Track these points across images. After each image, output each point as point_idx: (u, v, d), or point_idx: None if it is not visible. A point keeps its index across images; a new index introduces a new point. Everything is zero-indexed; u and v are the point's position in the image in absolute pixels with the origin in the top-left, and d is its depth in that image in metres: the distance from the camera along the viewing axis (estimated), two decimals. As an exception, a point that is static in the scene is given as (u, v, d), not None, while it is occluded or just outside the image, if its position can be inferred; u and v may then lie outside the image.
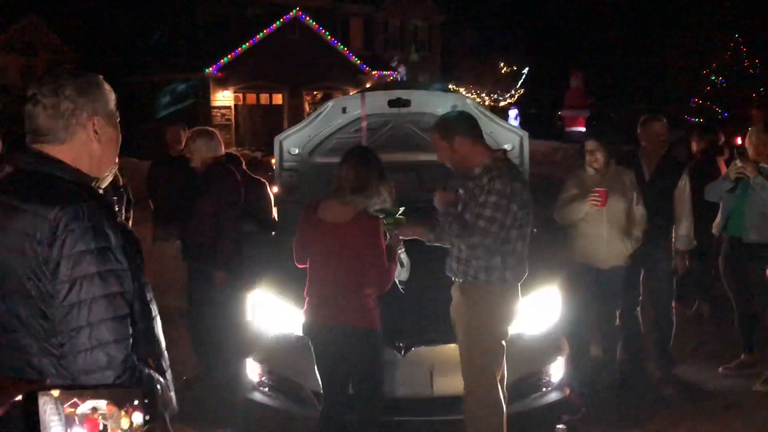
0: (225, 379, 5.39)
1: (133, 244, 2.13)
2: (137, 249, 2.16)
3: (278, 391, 4.74)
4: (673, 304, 5.82)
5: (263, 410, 4.82)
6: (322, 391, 4.19)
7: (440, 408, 4.37)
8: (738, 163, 5.34)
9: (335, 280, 4.01)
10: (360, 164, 3.99)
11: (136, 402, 1.28)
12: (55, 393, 1.26)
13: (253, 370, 4.82)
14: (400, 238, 4.21)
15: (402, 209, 4.10)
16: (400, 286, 4.29)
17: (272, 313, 4.82)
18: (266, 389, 4.77)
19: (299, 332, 4.63)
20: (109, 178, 2.31)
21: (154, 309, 2.25)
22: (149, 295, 2.22)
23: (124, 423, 1.27)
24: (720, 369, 5.79)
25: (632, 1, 30.71)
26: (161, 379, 2.18)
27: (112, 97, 2.20)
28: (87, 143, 2.12)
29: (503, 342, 4.00)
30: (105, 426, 1.26)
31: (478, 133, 3.99)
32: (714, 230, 5.75)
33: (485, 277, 3.89)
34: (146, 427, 1.27)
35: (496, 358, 3.96)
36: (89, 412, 1.26)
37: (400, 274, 4.31)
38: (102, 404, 1.27)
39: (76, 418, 1.25)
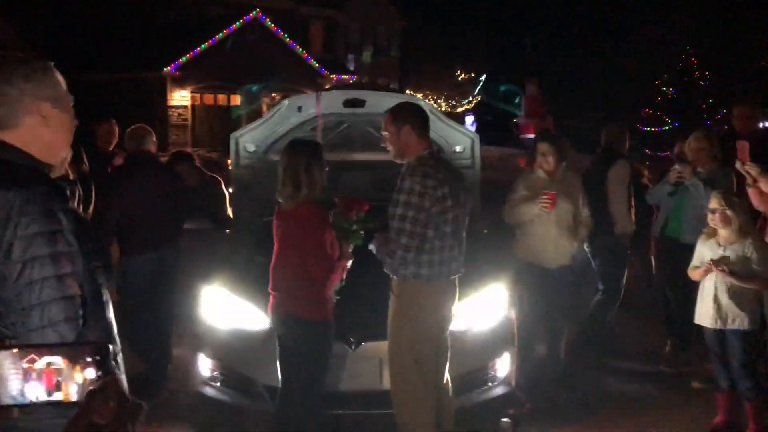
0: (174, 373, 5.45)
1: (85, 229, 2.18)
2: (89, 234, 2.21)
3: (230, 385, 4.79)
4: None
5: (214, 405, 4.88)
6: (280, 385, 4.24)
7: (389, 401, 4.46)
8: (677, 167, 5.57)
9: (285, 271, 4.10)
10: (282, 160, 4.13)
11: (89, 359, 1.37)
12: (14, 350, 1.34)
13: (204, 364, 4.86)
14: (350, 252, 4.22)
15: (362, 233, 4.14)
16: (333, 297, 4.35)
17: (225, 308, 4.87)
18: (218, 384, 4.82)
19: (252, 327, 4.71)
20: (60, 170, 2.35)
21: (106, 294, 2.30)
22: (101, 280, 2.27)
23: (78, 377, 1.35)
24: (660, 367, 6.00)
25: (588, 12, 31.35)
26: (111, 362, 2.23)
27: (61, 83, 2.24)
28: (36, 129, 2.16)
29: (434, 338, 4.01)
30: (59, 380, 1.34)
31: (425, 130, 4.08)
32: (654, 232, 6.00)
33: (402, 273, 3.95)
34: (98, 381, 1.36)
35: (419, 355, 3.96)
36: (45, 367, 1.34)
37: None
38: (57, 360, 1.35)
39: (34, 373, 1.34)
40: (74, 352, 1.38)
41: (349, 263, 4.21)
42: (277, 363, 4.22)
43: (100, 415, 1.33)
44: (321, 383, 4.17)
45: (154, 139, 5.70)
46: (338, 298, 4.26)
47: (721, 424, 4.88)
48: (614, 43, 26.49)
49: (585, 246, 6.20)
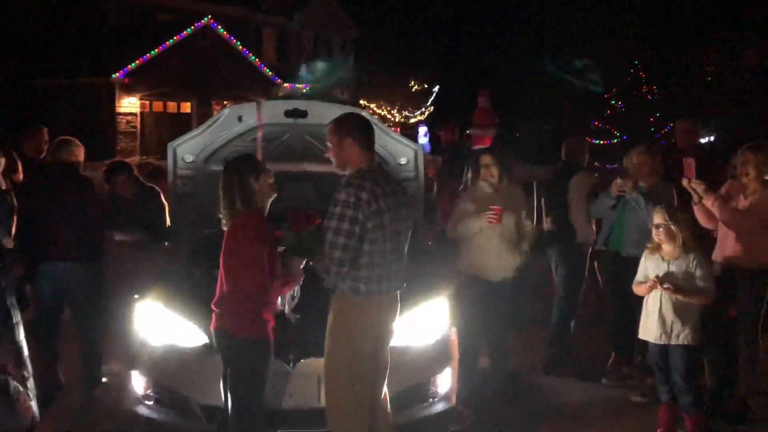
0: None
1: None
2: None
3: (164, 404, 4.63)
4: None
5: (148, 424, 4.71)
6: (220, 404, 4.11)
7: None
8: (619, 181, 5.59)
9: (222, 287, 3.98)
10: (221, 178, 4.05)
11: None
12: None
13: (138, 382, 4.70)
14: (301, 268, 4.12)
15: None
16: (292, 317, 4.24)
17: (160, 324, 4.71)
18: (151, 402, 4.66)
19: (187, 344, 4.58)
20: None
21: (16, 315, 2.17)
22: (9, 301, 2.14)
23: None
24: (603, 380, 6.00)
25: (537, 26, 31.77)
26: (19, 387, 2.10)
27: None
28: None
29: (371, 355, 3.90)
30: None
31: (368, 143, 3.98)
32: (598, 245, 6.02)
33: (340, 287, 3.86)
34: None
35: (355, 373, 3.85)
36: None
37: (285, 304, 4.26)
38: None
39: None
40: None
41: (301, 279, 4.09)
42: (220, 382, 4.10)
43: None
44: (259, 403, 4.04)
45: (74, 149, 5.59)
46: (298, 316, 4.15)
47: (662, 438, 4.89)
48: (565, 56, 26.84)
49: (552, 256, 6.30)
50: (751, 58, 22.10)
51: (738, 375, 5.33)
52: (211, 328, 4.09)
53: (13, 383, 2.05)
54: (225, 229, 4.02)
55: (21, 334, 2.15)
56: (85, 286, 5.42)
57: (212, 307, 4.04)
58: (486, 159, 5.52)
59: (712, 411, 5.12)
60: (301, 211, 4.05)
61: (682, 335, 4.73)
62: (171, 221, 5.98)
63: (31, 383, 2.17)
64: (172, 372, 4.60)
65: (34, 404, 2.18)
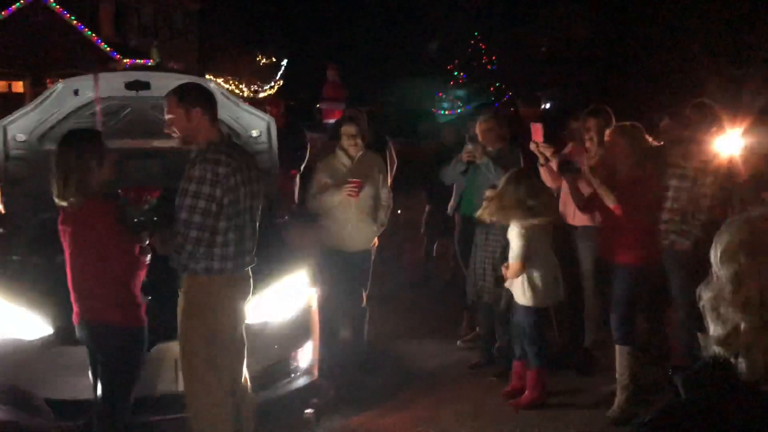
0: None
1: None
2: None
3: (4, 401, 4.33)
4: None
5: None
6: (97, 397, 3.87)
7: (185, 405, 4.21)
8: (469, 146, 5.73)
9: (85, 278, 3.76)
10: (57, 155, 3.76)
11: None
12: None
13: (-26, 379, 4.35)
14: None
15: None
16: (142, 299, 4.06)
17: (-3, 316, 4.38)
18: (-9, 400, 4.34)
19: (28, 336, 4.29)
20: None
21: None
22: None
23: None
24: (458, 342, 6.17)
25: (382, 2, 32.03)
26: None
27: None
28: None
29: (228, 334, 3.76)
30: None
31: (215, 114, 3.82)
32: (449, 211, 6.17)
33: (192, 267, 3.68)
34: None
35: (213, 354, 3.71)
36: None
37: None
38: None
39: None
40: None
41: (148, 258, 3.90)
42: (89, 375, 3.90)
43: None
44: (131, 392, 3.87)
45: None
46: (149, 298, 3.96)
47: (512, 391, 5.10)
48: (410, 28, 27.20)
49: None
50: (580, 32, 23.27)
51: (583, 329, 5.63)
52: (75, 322, 3.84)
53: None
54: (67, 209, 3.73)
55: None
56: None
57: (72, 300, 3.80)
58: (350, 130, 5.48)
59: (560, 365, 5.38)
60: (133, 187, 3.87)
61: (523, 296, 4.94)
62: (4, 207, 5.53)
63: None
64: (13, 366, 4.30)
65: None
